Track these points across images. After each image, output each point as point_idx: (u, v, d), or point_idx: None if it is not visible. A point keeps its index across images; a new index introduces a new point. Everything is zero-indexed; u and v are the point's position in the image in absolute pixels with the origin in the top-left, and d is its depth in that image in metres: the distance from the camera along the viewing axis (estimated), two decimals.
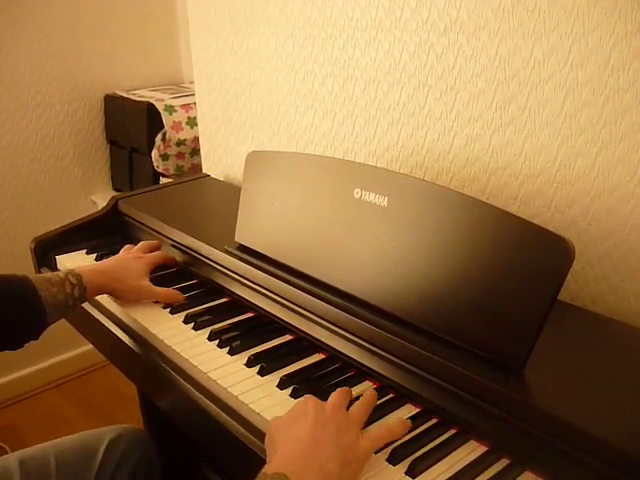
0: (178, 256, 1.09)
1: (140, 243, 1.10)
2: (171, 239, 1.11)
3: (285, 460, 0.60)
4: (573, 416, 0.62)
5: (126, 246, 1.09)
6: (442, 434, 0.69)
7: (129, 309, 0.97)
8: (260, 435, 0.71)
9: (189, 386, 0.80)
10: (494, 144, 0.94)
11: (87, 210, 1.95)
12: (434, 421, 0.71)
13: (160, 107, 1.74)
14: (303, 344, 0.87)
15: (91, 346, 1.18)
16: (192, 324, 0.91)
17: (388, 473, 0.64)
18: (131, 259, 1.02)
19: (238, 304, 0.97)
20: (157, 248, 1.10)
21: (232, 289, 0.99)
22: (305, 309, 0.87)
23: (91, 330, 1.08)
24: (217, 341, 0.87)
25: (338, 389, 0.72)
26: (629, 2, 0.74)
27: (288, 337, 0.89)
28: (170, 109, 1.75)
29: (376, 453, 0.66)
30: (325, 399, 0.74)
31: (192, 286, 1.03)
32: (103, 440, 0.98)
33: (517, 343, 0.68)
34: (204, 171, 1.57)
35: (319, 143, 1.23)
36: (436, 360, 0.71)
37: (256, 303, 0.95)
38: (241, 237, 1.00)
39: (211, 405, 0.77)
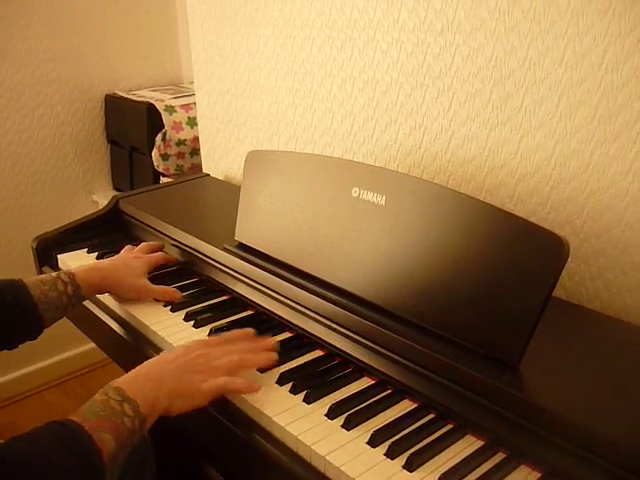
0: (178, 255, 1.10)
1: (141, 244, 1.11)
2: (171, 238, 1.12)
3: (129, 378, 0.72)
4: (568, 411, 0.63)
5: (127, 247, 1.10)
6: (439, 429, 0.70)
7: (130, 307, 0.98)
8: (259, 430, 0.73)
9: None
10: (490, 143, 0.95)
11: (88, 209, 1.96)
12: (431, 416, 0.72)
13: (160, 107, 1.75)
14: (302, 341, 0.88)
15: (92, 344, 1.19)
16: (192, 322, 0.92)
17: (386, 467, 0.65)
18: (129, 258, 1.03)
19: (238, 302, 0.98)
20: (158, 249, 1.11)
21: (232, 287, 1.00)
22: (304, 306, 0.88)
23: (93, 328, 1.09)
24: None
25: (235, 331, 0.83)
26: (622, 3, 0.75)
27: (287, 334, 0.90)
28: (170, 109, 1.76)
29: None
30: (324, 396, 0.75)
31: (192, 284, 1.04)
32: None
33: (513, 339, 0.69)
34: (204, 170, 1.58)
35: (318, 142, 1.24)
36: (433, 356, 0.72)
37: (255, 301, 0.96)
38: (241, 235, 1.01)
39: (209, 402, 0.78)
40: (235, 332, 0.85)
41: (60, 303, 0.90)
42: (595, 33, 0.79)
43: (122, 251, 1.09)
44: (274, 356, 0.81)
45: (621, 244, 0.84)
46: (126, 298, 0.99)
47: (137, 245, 1.11)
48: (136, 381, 0.72)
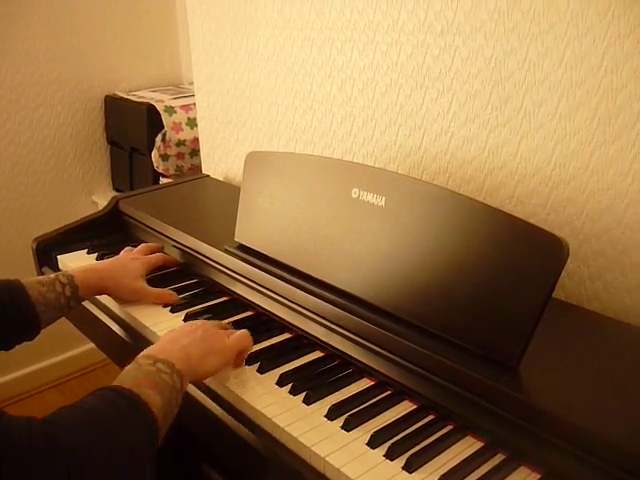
0: (178, 255, 1.11)
1: (141, 245, 1.11)
2: (171, 239, 1.12)
3: (153, 347, 0.75)
4: (568, 412, 0.63)
5: (126, 248, 1.10)
6: (439, 430, 0.70)
7: (130, 308, 0.98)
8: (259, 431, 0.73)
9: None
10: (490, 144, 0.95)
11: (88, 210, 1.96)
12: (431, 417, 0.72)
13: (160, 108, 1.75)
14: (302, 342, 0.88)
15: (92, 345, 1.19)
16: None
17: (385, 468, 0.65)
18: (127, 259, 1.03)
19: (237, 303, 0.98)
20: (158, 251, 1.11)
21: (231, 288, 1.00)
22: (304, 307, 0.88)
23: (92, 329, 1.09)
24: None
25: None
26: (622, 5, 0.75)
27: (287, 335, 0.90)
28: (170, 110, 1.76)
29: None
30: (324, 397, 0.75)
31: (192, 285, 1.04)
32: None
33: (512, 340, 0.69)
34: (204, 171, 1.58)
35: (318, 144, 1.24)
36: (433, 357, 0.72)
37: (255, 302, 0.96)
38: (240, 236, 1.01)
39: (210, 402, 0.78)
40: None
41: (58, 304, 0.90)
42: (594, 34, 0.79)
43: (121, 252, 1.09)
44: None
45: (621, 245, 0.84)
46: (123, 300, 0.99)
47: (136, 246, 1.11)
48: (163, 347, 0.74)
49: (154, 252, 1.10)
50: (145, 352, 0.73)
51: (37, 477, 0.55)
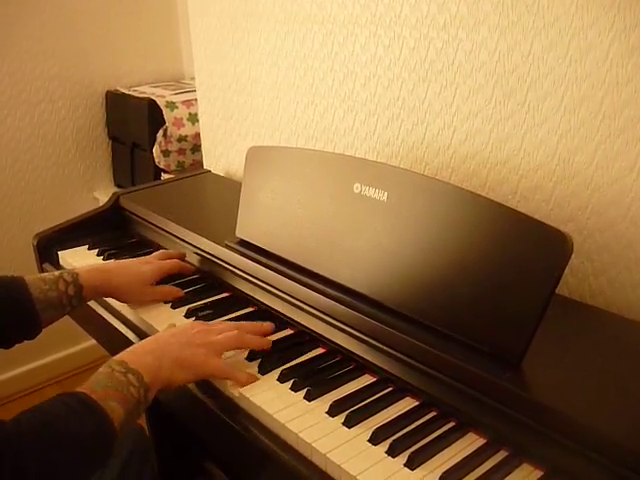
0: (177, 250, 1.10)
1: (160, 251, 1.07)
2: (172, 234, 1.12)
3: (128, 352, 0.75)
4: (571, 409, 0.62)
5: (155, 253, 1.06)
6: (441, 427, 0.70)
7: (133, 304, 0.97)
8: (260, 427, 0.72)
9: None
10: (493, 139, 0.94)
11: (89, 206, 1.95)
12: (433, 414, 0.72)
13: (161, 103, 1.75)
14: (303, 338, 0.87)
15: (93, 342, 1.19)
16: (193, 318, 0.92)
17: (387, 465, 0.64)
18: (137, 262, 1.00)
19: (239, 298, 0.98)
20: (177, 258, 1.05)
21: (233, 283, 0.99)
22: (305, 303, 0.88)
23: (93, 325, 1.08)
24: None
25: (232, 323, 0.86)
26: None
27: (288, 331, 0.89)
28: (171, 105, 1.75)
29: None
30: (326, 393, 0.75)
31: (193, 280, 1.04)
32: None
33: (515, 336, 0.68)
34: (205, 167, 1.57)
35: (319, 138, 1.23)
36: (435, 353, 0.72)
37: (257, 297, 0.95)
38: (242, 232, 1.00)
39: (210, 399, 0.78)
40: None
41: (59, 303, 0.88)
42: (600, 27, 0.78)
43: (149, 256, 1.05)
44: (269, 341, 0.84)
45: (625, 240, 0.83)
46: (128, 302, 0.97)
47: (136, 242, 1.10)
48: (137, 354, 0.75)
49: (171, 258, 1.04)
50: (121, 356, 0.74)
51: None
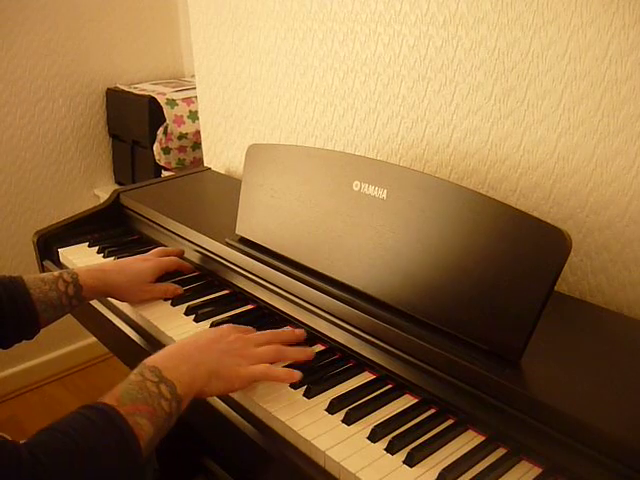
0: (177, 247, 1.10)
1: (157, 248, 1.06)
2: (172, 232, 1.12)
3: (164, 356, 0.70)
4: (569, 406, 0.62)
5: (154, 250, 1.06)
6: (440, 424, 0.70)
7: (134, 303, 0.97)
8: (259, 425, 0.72)
9: None
10: (493, 137, 0.94)
11: (89, 203, 1.96)
12: (432, 411, 0.72)
13: (162, 101, 1.75)
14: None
15: (93, 339, 1.19)
16: (193, 316, 0.92)
17: (386, 462, 0.65)
18: (136, 260, 1.00)
19: (239, 296, 0.98)
20: (175, 255, 1.05)
21: (233, 281, 0.99)
22: (305, 301, 0.88)
23: (93, 323, 1.09)
24: None
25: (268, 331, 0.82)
26: None
27: (288, 328, 0.89)
28: (172, 103, 1.75)
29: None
30: (325, 390, 0.75)
31: (193, 278, 1.04)
32: None
33: (514, 334, 0.68)
34: (205, 164, 1.57)
35: (319, 136, 1.24)
36: (434, 351, 0.72)
37: (257, 295, 0.95)
38: (242, 230, 1.01)
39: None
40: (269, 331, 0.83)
41: (59, 304, 0.88)
42: (599, 25, 0.78)
43: (147, 254, 1.04)
44: (312, 351, 0.80)
45: (624, 238, 0.83)
46: (127, 301, 0.97)
47: (138, 240, 1.10)
48: (172, 360, 0.70)
49: (169, 255, 1.04)
50: (153, 361, 0.69)
51: None
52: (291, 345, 0.82)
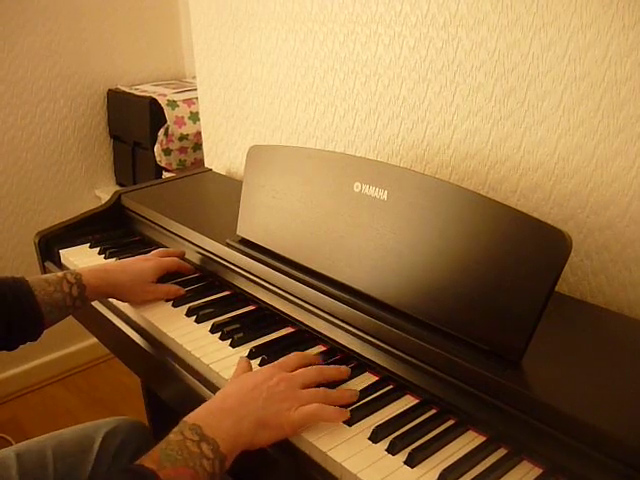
0: (178, 248, 1.10)
1: (158, 249, 1.07)
2: (173, 233, 1.12)
3: (205, 412, 0.66)
4: (570, 406, 0.62)
5: (155, 251, 1.06)
6: (441, 424, 0.70)
7: (136, 304, 0.97)
8: None
9: (191, 377, 0.82)
10: (493, 138, 0.94)
11: (90, 204, 1.97)
12: (433, 412, 0.72)
13: (163, 102, 1.75)
14: (304, 336, 0.88)
15: (95, 340, 1.19)
16: (194, 317, 0.92)
17: (387, 462, 0.65)
18: (137, 260, 1.00)
19: (240, 297, 0.98)
20: (176, 256, 1.05)
21: (234, 282, 1.00)
22: (306, 302, 0.88)
23: (95, 324, 1.09)
24: (219, 334, 0.88)
25: (297, 353, 0.78)
26: None
27: (289, 329, 0.90)
28: (173, 104, 1.76)
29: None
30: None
31: (194, 279, 1.04)
32: (100, 432, 0.97)
33: (515, 334, 0.68)
34: (206, 165, 1.58)
35: (320, 137, 1.24)
36: (435, 351, 0.72)
37: (257, 296, 0.96)
38: (243, 231, 1.01)
39: (210, 393, 0.78)
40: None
41: (64, 305, 0.88)
42: (599, 26, 0.78)
43: (148, 254, 1.05)
44: (356, 393, 0.74)
45: (624, 239, 0.83)
46: (130, 301, 0.97)
47: (138, 240, 1.10)
48: (213, 416, 0.65)
49: (170, 256, 1.04)
50: (193, 419, 0.65)
51: None
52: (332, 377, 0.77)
